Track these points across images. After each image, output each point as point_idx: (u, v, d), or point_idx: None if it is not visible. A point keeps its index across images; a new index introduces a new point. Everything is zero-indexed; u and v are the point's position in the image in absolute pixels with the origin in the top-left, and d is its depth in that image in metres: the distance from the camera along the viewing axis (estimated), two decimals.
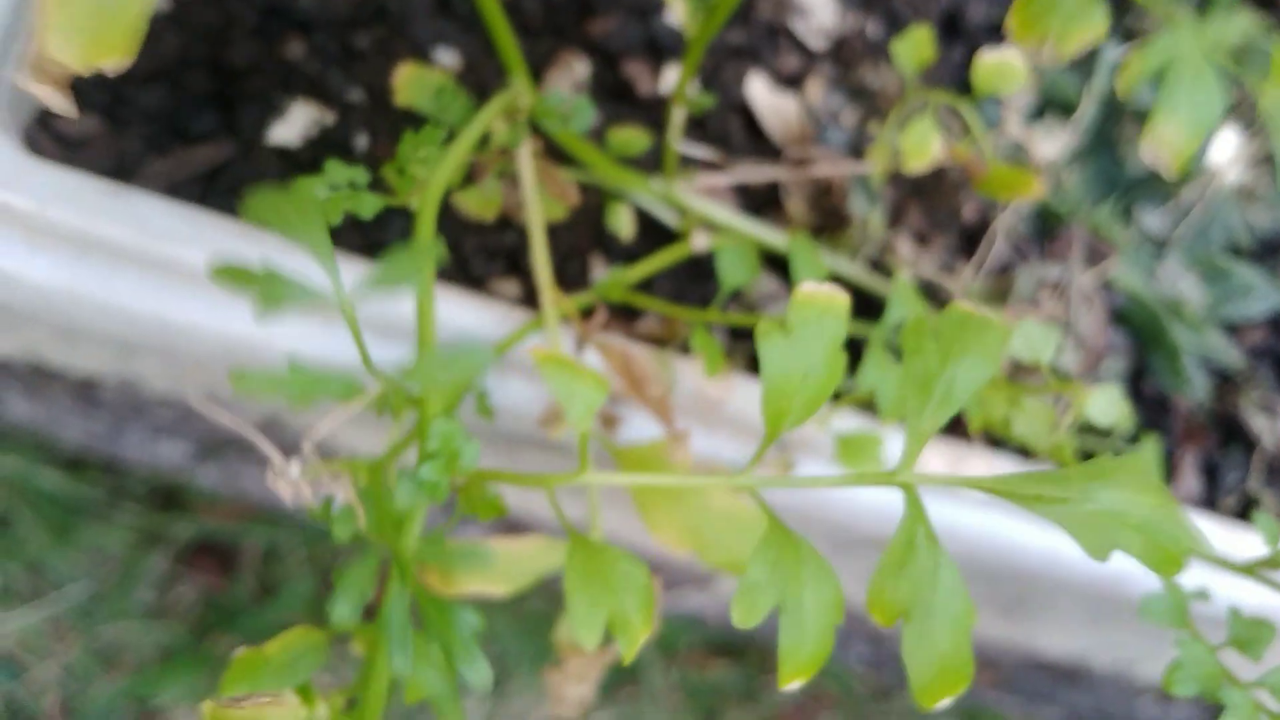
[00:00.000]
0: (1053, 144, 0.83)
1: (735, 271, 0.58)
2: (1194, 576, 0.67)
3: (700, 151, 0.69)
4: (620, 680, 1.47)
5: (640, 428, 0.63)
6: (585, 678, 0.59)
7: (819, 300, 0.42)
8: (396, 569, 0.43)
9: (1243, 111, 0.91)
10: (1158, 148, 0.39)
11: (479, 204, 0.62)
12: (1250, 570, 0.51)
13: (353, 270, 0.59)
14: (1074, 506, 0.39)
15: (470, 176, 0.60)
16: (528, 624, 1.40)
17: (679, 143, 0.64)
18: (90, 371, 0.91)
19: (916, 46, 0.68)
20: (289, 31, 0.68)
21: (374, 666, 0.45)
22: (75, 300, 0.56)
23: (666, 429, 0.56)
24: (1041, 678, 1.35)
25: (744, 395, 0.64)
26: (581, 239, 0.69)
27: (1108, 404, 0.61)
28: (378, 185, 0.59)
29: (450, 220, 0.66)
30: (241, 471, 1.08)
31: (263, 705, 0.32)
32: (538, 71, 0.71)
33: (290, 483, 0.42)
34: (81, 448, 1.14)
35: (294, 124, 0.66)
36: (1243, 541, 0.77)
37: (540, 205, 0.57)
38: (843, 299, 0.42)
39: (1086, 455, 0.80)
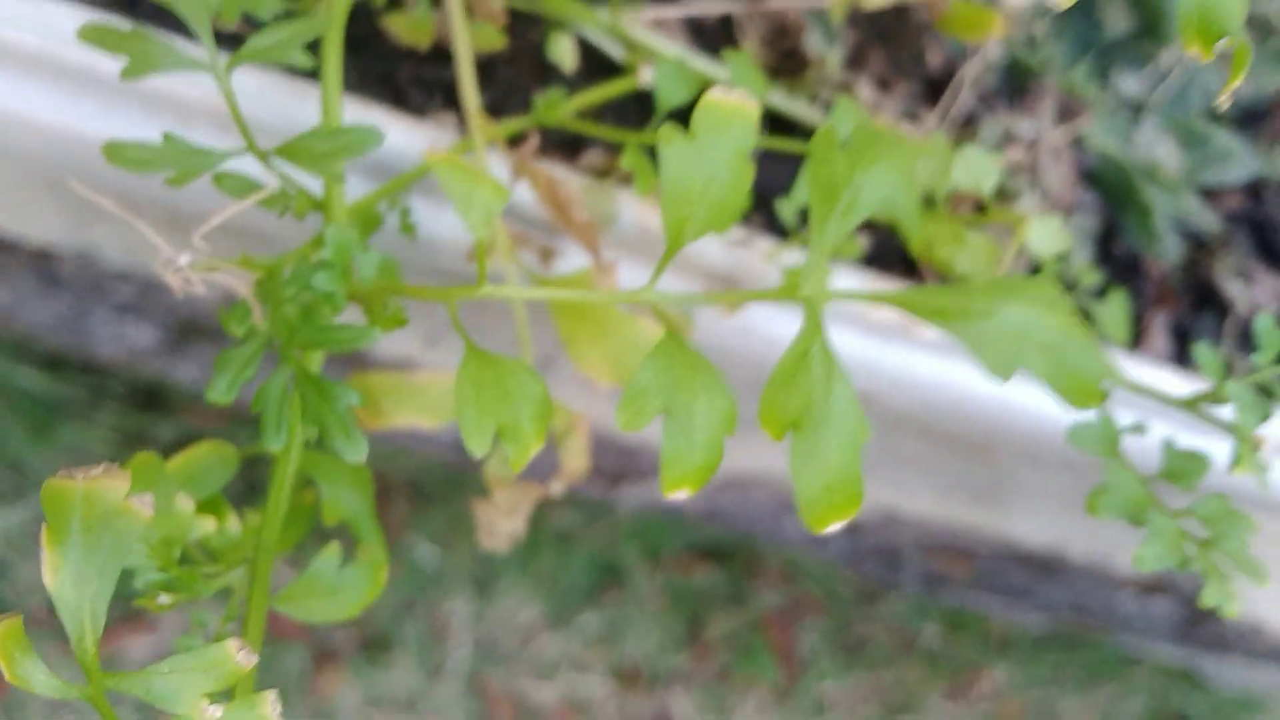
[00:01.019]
0: None
1: (673, 90, 0.56)
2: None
3: None
4: (605, 583, 1.48)
5: (581, 261, 0.62)
6: (515, 510, 0.59)
7: (726, 107, 0.40)
8: (283, 355, 0.42)
9: None
10: None
11: (410, 29, 0.60)
12: (1191, 404, 0.50)
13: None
14: (977, 322, 0.38)
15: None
16: None
17: None
18: (46, 243, 0.90)
19: None
20: None
21: (276, 473, 0.45)
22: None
23: (593, 257, 0.54)
24: (1018, 572, 1.35)
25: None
26: (525, 73, 0.67)
27: (1049, 234, 0.59)
28: None
29: (384, 48, 0.63)
30: None
31: (95, 478, 0.31)
32: None
33: (178, 273, 0.40)
34: (59, 345, 1.14)
35: None
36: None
37: (466, 28, 0.55)
38: (752, 107, 0.40)
39: None
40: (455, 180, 0.41)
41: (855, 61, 0.72)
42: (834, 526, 0.39)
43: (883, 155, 0.40)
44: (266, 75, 0.57)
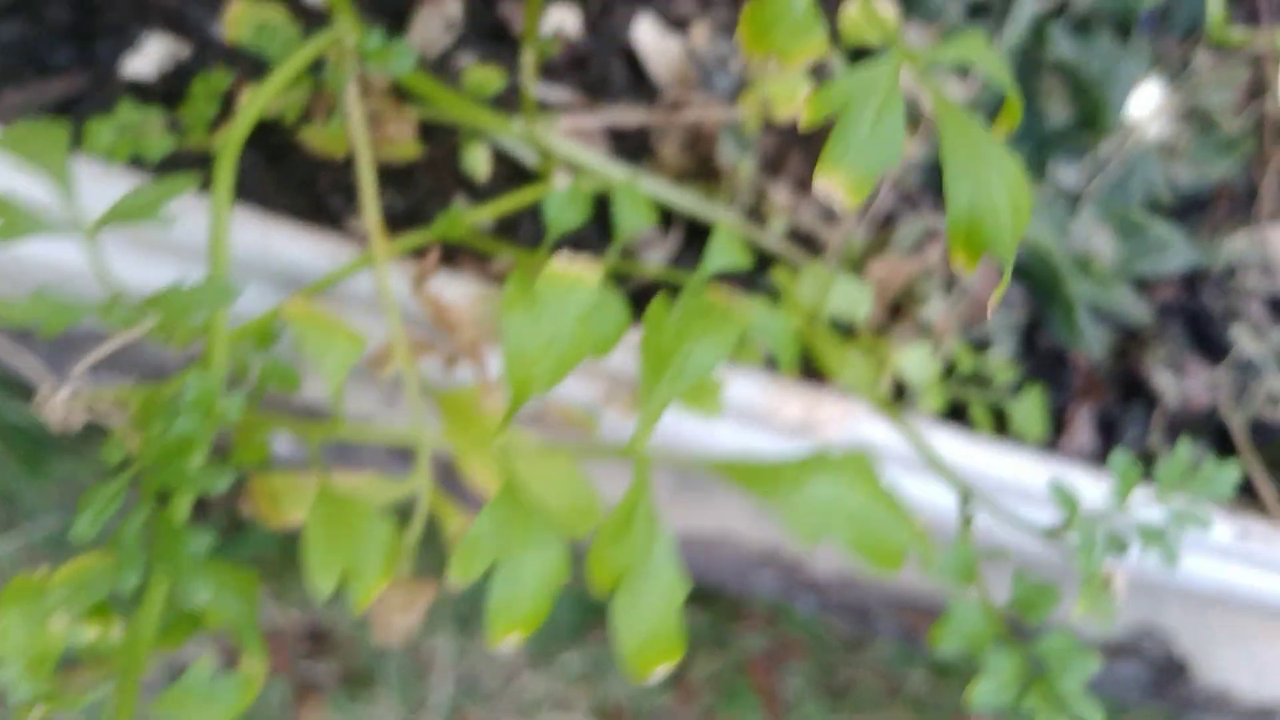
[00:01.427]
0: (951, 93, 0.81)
1: (563, 218, 0.58)
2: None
3: (558, 94, 0.69)
4: (589, 622, 1.49)
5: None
6: (410, 606, 0.61)
7: (568, 277, 0.42)
8: (142, 496, 0.44)
9: (1167, 64, 0.88)
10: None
11: (325, 141, 0.63)
12: (1052, 534, 0.51)
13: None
14: (788, 493, 0.40)
15: (309, 114, 0.60)
16: None
17: (534, 86, 0.64)
18: None
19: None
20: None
21: (148, 591, 0.47)
22: None
23: (478, 375, 0.56)
24: None
25: None
26: (444, 178, 0.69)
27: (918, 363, 0.61)
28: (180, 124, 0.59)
29: (304, 157, 0.66)
30: None
31: None
32: (408, 9, 0.71)
33: (56, 407, 0.43)
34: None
35: (149, 57, 0.66)
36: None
37: (368, 145, 0.57)
38: (593, 275, 0.42)
39: (961, 406, 0.80)
40: (310, 334, 0.43)
41: (773, 165, 0.74)
42: (657, 673, 0.41)
43: (709, 329, 0.42)
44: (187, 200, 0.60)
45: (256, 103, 0.51)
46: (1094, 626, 1.41)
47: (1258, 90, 0.89)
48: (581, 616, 1.49)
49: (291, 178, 0.66)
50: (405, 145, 0.64)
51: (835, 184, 0.38)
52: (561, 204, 0.58)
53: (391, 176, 0.68)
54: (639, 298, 0.73)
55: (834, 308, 0.60)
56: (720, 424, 0.69)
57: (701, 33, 0.76)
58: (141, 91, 0.66)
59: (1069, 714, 0.46)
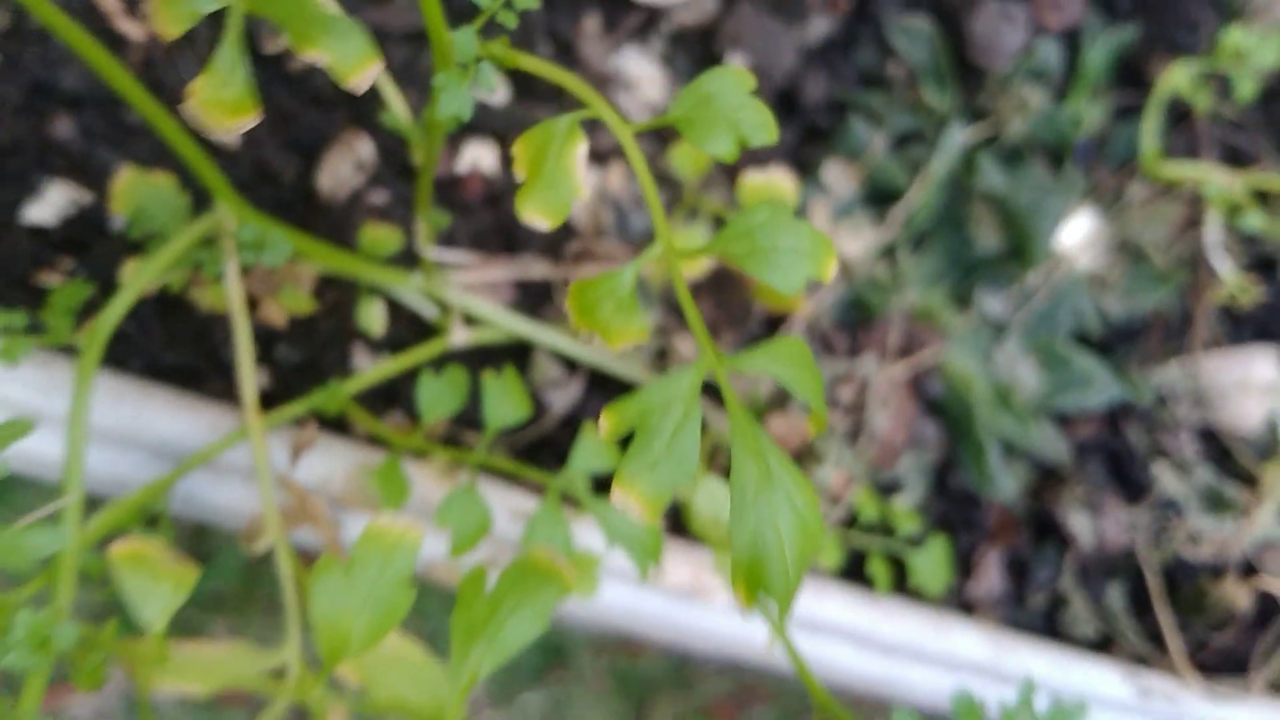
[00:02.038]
0: (858, 241, 0.81)
1: (438, 402, 0.58)
2: None
3: (453, 256, 0.69)
4: (550, 663, 1.49)
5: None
6: None
7: (390, 537, 0.42)
8: None
9: (1100, 195, 0.88)
10: (625, 500, 0.38)
11: (214, 300, 0.63)
12: None
13: None
14: None
15: (197, 276, 0.60)
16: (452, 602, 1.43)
17: (430, 250, 0.64)
18: None
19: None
20: (57, 109, 0.68)
21: None
22: None
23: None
24: None
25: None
26: (343, 328, 0.69)
27: None
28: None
29: (195, 313, 0.66)
30: None
31: None
32: (319, 148, 0.70)
33: None
34: None
35: (50, 204, 0.66)
36: None
37: (244, 324, 0.57)
38: (416, 534, 0.42)
39: (860, 555, 0.80)
40: (134, 575, 0.43)
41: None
42: None
43: (527, 599, 0.42)
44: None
45: (117, 307, 0.51)
46: None
47: (1193, 222, 0.89)
48: (542, 658, 1.50)
49: (184, 332, 0.66)
50: (300, 299, 0.64)
51: (632, 499, 0.38)
52: (436, 390, 0.58)
53: (289, 328, 0.68)
54: (536, 446, 0.73)
55: (700, 508, 0.60)
56: (609, 584, 0.69)
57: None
58: (42, 237, 0.66)
59: None
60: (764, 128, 0.43)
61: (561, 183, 0.42)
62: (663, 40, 0.82)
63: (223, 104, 0.40)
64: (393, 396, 0.70)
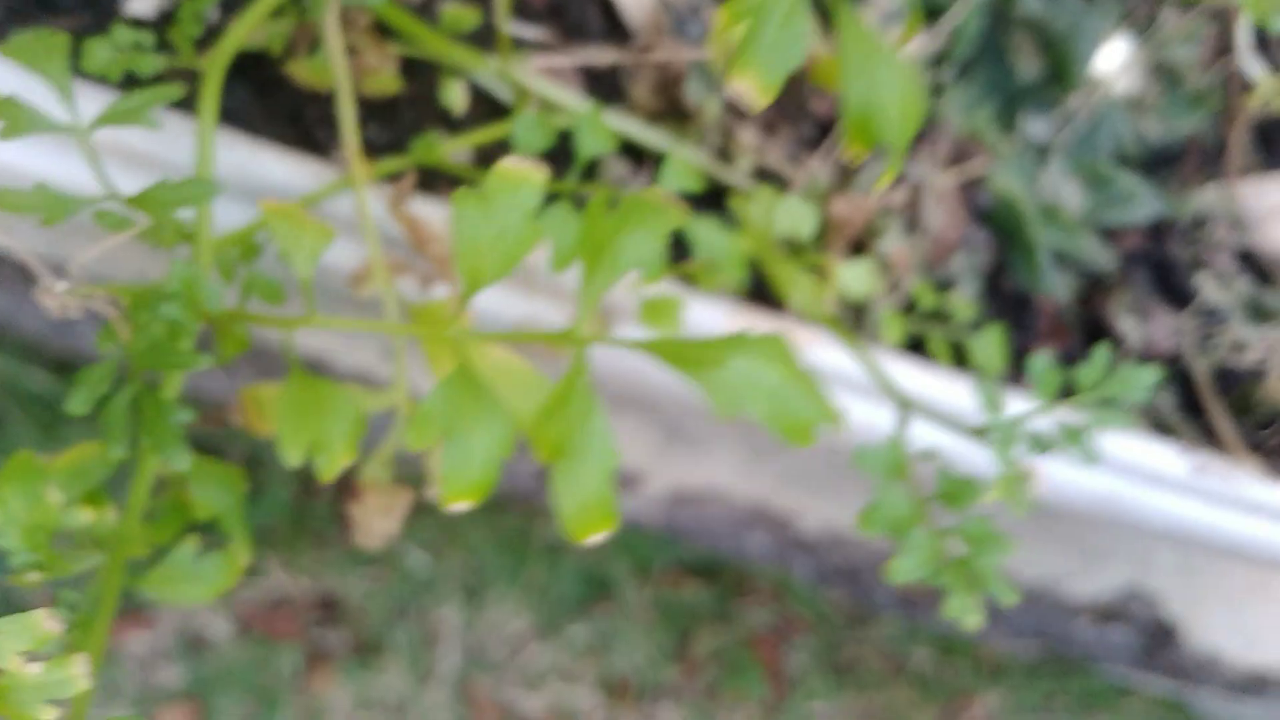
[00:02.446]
0: (913, 43, 0.85)
1: (530, 140, 0.62)
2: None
3: (532, 32, 0.73)
4: (595, 595, 1.52)
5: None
6: (389, 511, 0.65)
7: (517, 174, 0.46)
8: (130, 374, 0.48)
9: (1135, 20, 0.91)
10: (741, 86, 0.42)
11: (310, 73, 0.67)
12: (979, 433, 0.55)
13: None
14: (710, 370, 0.44)
15: (294, 47, 0.64)
16: (503, 537, 1.46)
17: (508, 24, 0.68)
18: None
19: None
20: None
21: (140, 470, 0.51)
22: None
23: (451, 287, 0.60)
24: None
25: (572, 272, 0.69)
26: (424, 112, 0.73)
27: (856, 277, 0.65)
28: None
29: (291, 90, 0.70)
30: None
31: None
32: None
33: (55, 297, 0.47)
34: (59, 350, 1.20)
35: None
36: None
37: (348, 75, 0.61)
38: (539, 174, 0.46)
39: (918, 340, 0.83)
40: (282, 227, 0.47)
41: (737, 110, 0.78)
42: (595, 537, 0.45)
43: (643, 222, 0.45)
44: (181, 119, 0.64)
45: (243, 25, 0.55)
46: (1083, 586, 1.43)
47: (1224, 46, 0.92)
48: (587, 590, 1.52)
49: (279, 109, 0.70)
50: (386, 80, 0.68)
51: (747, 84, 0.42)
52: (529, 126, 0.62)
53: (374, 110, 0.72)
54: None
55: (780, 227, 0.64)
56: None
57: None
58: (143, 28, 0.70)
59: (981, 589, 0.49)
60: None
61: (787, 47, 0.42)
62: None
63: None
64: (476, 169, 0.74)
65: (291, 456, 0.46)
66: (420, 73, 0.73)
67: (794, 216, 0.64)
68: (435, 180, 0.71)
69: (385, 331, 0.50)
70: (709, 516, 1.30)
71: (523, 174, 0.46)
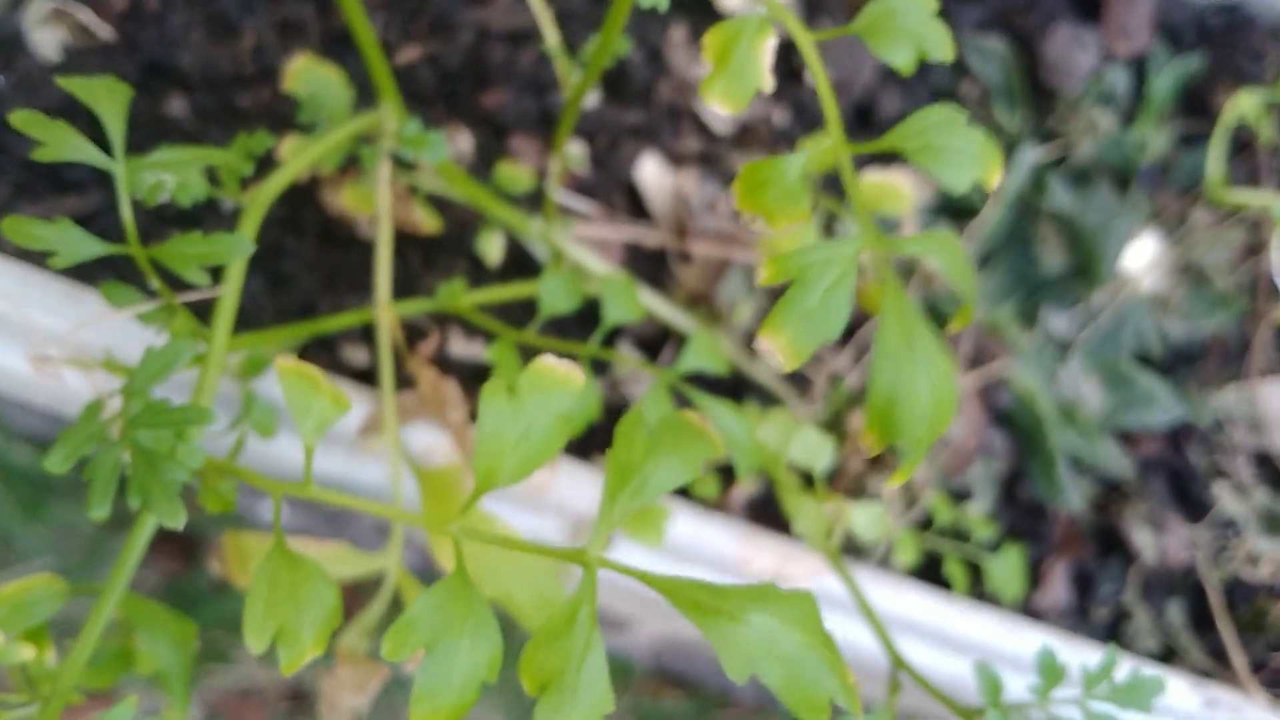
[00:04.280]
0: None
1: (556, 300, 0.60)
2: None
3: (580, 204, 0.72)
4: None
5: None
6: (361, 687, 0.61)
7: (554, 375, 0.43)
8: (123, 436, 0.45)
9: (1165, 219, 0.90)
10: (771, 346, 0.40)
11: (353, 200, 0.66)
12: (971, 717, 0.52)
13: None
14: (726, 623, 0.40)
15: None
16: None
17: (557, 192, 0.67)
18: None
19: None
20: (172, 89, 0.72)
21: (94, 611, 0.47)
22: None
23: (462, 455, 0.58)
24: None
25: (569, 482, 0.67)
26: (453, 255, 0.72)
27: (870, 521, 0.63)
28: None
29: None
30: None
31: None
32: None
33: (44, 364, 0.44)
34: (47, 429, 1.18)
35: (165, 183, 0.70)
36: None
37: (388, 227, 0.59)
38: (578, 378, 0.43)
39: (935, 559, 0.80)
40: (295, 389, 0.44)
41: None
42: None
43: (679, 448, 0.43)
44: None
45: (299, 160, 0.54)
46: None
47: (1254, 249, 0.91)
48: None
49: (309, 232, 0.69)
50: (431, 219, 0.66)
51: (776, 345, 0.40)
52: (557, 287, 0.60)
53: (406, 245, 0.71)
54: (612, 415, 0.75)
55: (794, 456, 0.62)
56: (693, 570, 0.69)
57: (691, 175, 0.78)
58: (151, 212, 0.69)
59: None
60: (943, 44, 0.46)
61: (748, 73, 0.44)
62: None
63: None
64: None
65: (255, 643, 0.43)
66: (451, 212, 0.72)
67: (809, 449, 0.62)
68: (449, 323, 0.70)
69: (383, 515, 0.47)
70: (701, 660, 1.27)
71: (560, 375, 0.43)
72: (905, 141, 0.44)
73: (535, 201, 0.74)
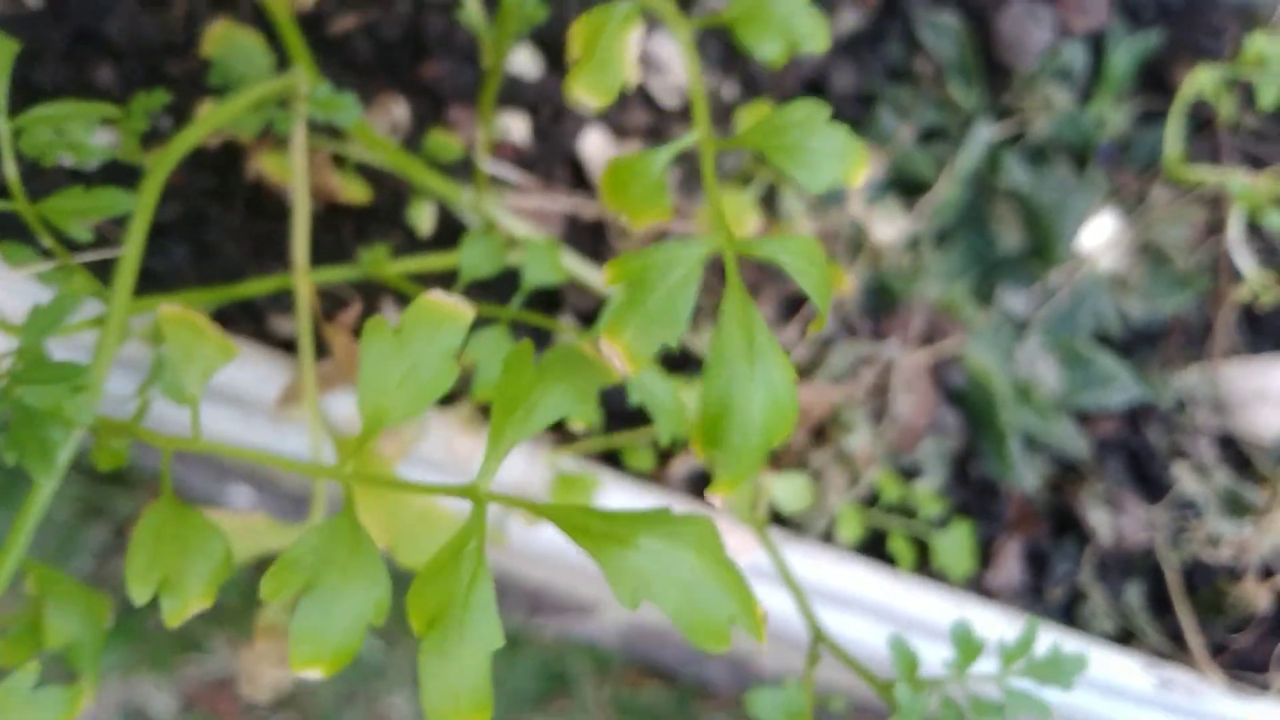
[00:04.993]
0: (891, 227, 0.82)
1: (478, 263, 0.58)
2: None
3: (511, 174, 0.71)
4: (553, 691, 1.47)
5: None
6: (282, 660, 0.60)
7: (440, 309, 0.42)
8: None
9: (1123, 197, 0.89)
10: (610, 349, 0.39)
11: (276, 168, 0.65)
12: (885, 691, 0.50)
13: None
14: (617, 548, 0.38)
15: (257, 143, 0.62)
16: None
17: (489, 163, 0.66)
18: None
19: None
20: (99, 57, 0.71)
21: None
22: None
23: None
24: None
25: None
26: (386, 226, 0.71)
27: (792, 492, 0.61)
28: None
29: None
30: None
31: None
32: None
33: None
34: None
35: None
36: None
37: (304, 192, 0.58)
38: (466, 313, 0.42)
39: (881, 536, 0.79)
40: (179, 336, 0.43)
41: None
42: None
43: (567, 376, 0.41)
44: None
45: (196, 131, 0.53)
46: None
47: (1214, 227, 0.90)
48: (545, 685, 1.47)
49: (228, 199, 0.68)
50: (358, 188, 0.65)
51: (616, 348, 0.38)
52: (478, 252, 0.58)
53: (336, 216, 0.70)
54: None
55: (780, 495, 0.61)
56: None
57: (636, 148, 0.77)
58: (80, 178, 0.68)
59: None
60: (815, 35, 0.45)
61: (613, 64, 0.43)
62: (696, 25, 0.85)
63: None
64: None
65: (138, 594, 0.41)
66: (386, 182, 0.71)
67: (795, 491, 0.60)
68: (378, 296, 0.69)
69: (273, 465, 0.45)
70: (670, 645, 1.26)
71: (447, 310, 0.42)
72: (764, 140, 0.43)
73: (470, 172, 0.72)
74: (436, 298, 0.42)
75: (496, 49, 0.57)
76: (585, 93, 0.43)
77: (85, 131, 0.47)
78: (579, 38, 0.43)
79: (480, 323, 0.63)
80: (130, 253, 0.50)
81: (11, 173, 0.46)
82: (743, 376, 0.39)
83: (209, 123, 0.54)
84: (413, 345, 0.42)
